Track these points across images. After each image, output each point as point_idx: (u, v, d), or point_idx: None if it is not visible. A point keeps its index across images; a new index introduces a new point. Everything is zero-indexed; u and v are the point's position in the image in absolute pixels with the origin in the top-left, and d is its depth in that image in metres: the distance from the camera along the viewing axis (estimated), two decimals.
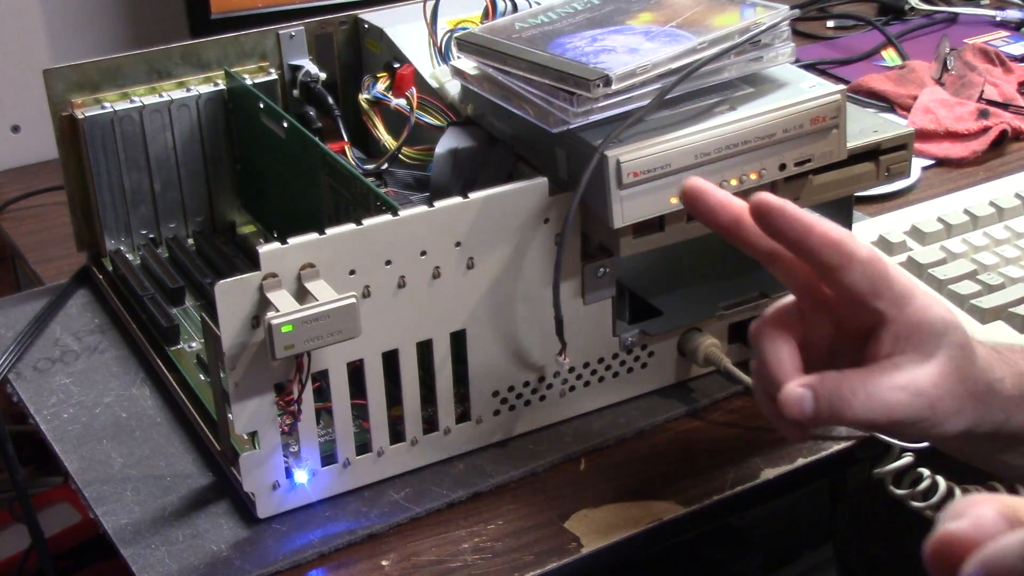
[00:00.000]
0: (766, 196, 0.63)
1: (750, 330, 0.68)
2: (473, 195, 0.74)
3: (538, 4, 0.87)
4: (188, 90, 0.96)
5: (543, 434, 0.82)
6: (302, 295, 0.69)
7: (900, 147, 0.83)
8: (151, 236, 0.99)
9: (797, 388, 0.63)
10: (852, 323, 0.65)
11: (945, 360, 0.63)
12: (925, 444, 0.77)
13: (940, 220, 0.99)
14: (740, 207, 0.64)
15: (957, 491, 0.79)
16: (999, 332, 0.88)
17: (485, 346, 0.77)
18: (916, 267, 0.94)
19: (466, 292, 0.75)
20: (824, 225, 0.63)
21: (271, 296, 0.68)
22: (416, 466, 0.78)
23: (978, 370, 0.65)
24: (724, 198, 0.65)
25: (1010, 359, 0.68)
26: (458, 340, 0.76)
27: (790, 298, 0.68)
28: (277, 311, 0.67)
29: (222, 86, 0.96)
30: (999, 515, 0.46)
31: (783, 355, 0.65)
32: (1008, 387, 0.66)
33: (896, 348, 0.63)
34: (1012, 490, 0.79)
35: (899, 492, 0.79)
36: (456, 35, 0.83)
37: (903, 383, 0.63)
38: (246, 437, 0.73)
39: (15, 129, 1.26)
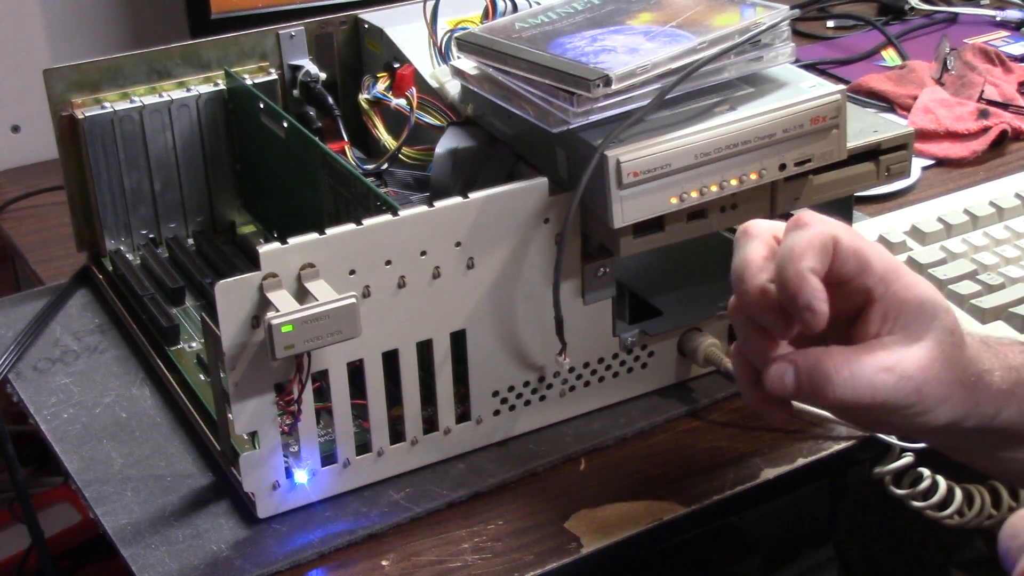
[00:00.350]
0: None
1: (730, 308, 0.67)
2: (473, 195, 0.74)
3: (538, 4, 0.87)
4: (188, 90, 0.96)
5: (543, 434, 0.82)
6: (302, 295, 0.69)
7: (900, 147, 0.83)
8: (151, 236, 0.99)
9: (780, 363, 0.62)
10: (838, 303, 0.64)
11: (934, 344, 0.62)
12: (924, 444, 0.77)
13: (940, 220, 0.99)
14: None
15: (957, 491, 0.79)
16: (999, 332, 0.88)
17: (485, 346, 0.77)
18: (916, 267, 0.94)
19: (466, 292, 0.75)
20: (809, 258, 0.60)
21: (271, 296, 0.68)
22: (416, 466, 0.78)
23: (967, 358, 0.63)
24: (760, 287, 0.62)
25: (999, 352, 0.66)
26: (458, 340, 0.76)
27: None
28: (277, 311, 0.67)
29: (222, 86, 0.96)
30: None
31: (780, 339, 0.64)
32: (997, 380, 0.65)
33: (884, 328, 0.62)
34: (1013, 491, 0.79)
35: (899, 492, 0.79)
36: (456, 35, 0.83)
37: (889, 364, 0.61)
38: (246, 437, 0.73)
39: (15, 129, 1.26)
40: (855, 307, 0.63)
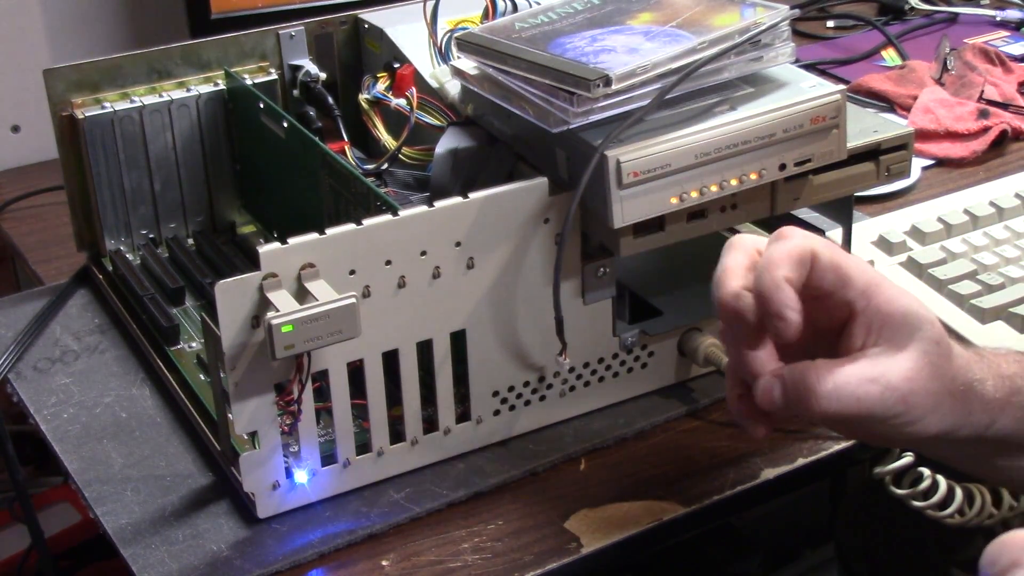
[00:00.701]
0: (740, 303, 0.62)
1: (720, 329, 0.67)
2: (473, 195, 0.74)
3: (538, 4, 0.87)
4: (188, 90, 0.96)
5: (543, 434, 0.82)
6: (302, 295, 0.69)
7: (900, 147, 0.83)
8: (151, 236, 0.99)
9: (767, 378, 0.63)
10: (823, 319, 0.64)
11: (918, 354, 0.62)
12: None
13: (940, 220, 0.99)
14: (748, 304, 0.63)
15: (958, 490, 0.79)
16: (999, 332, 0.88)
17: (485, 346, 0.77)
18: (916, 267, 0.94)
19: (466, 292, 0.75)
20: (783, 267, 0.61)
21: (271, 296, 0.68)
22: (416, 466, 0.78)
23: (955, 368, 0.64)
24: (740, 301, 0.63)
25: (992, 361, 0.66)
26: (458, 340, 0.76)
27: None
28: (277, 311, 0.67)
29: (222, 86, 0.96)
30: None
31: (758, 349, 0.65)
32: (990, 389, 0.65)
33: (868, 340, 0.62)
34: (1015, 495, 0.79)
35: (899, 492, 0.79)
36: (456, 35, 0.83)
37: (874, 375, 0.61)
38: (246, 437, 0.73)
39: (15, 129, 1.26)
40: (839, 320, 0.64)
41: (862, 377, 0.61)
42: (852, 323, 0.63)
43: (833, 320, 0.64)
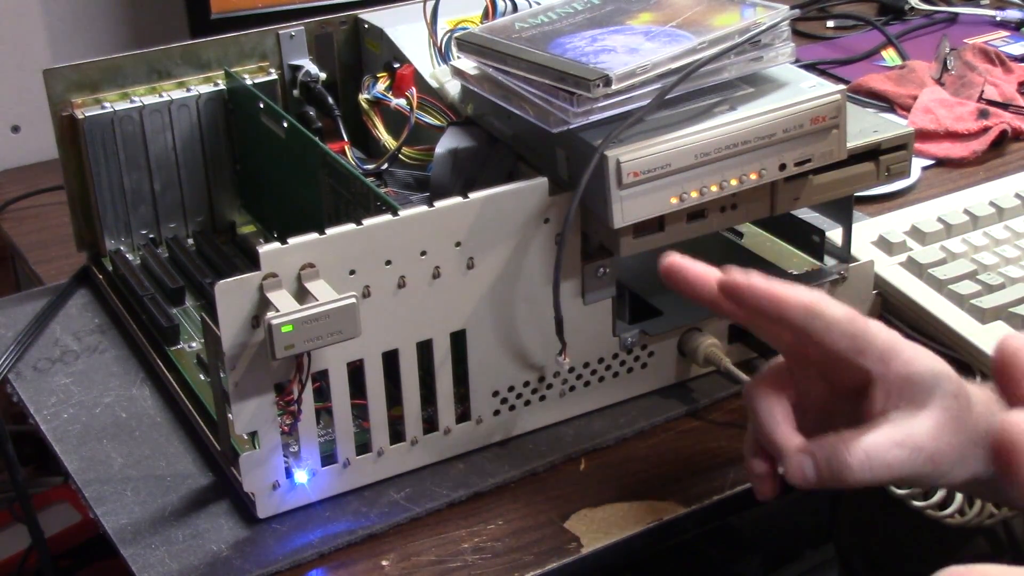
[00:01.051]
0: (732, 276, 0.64)
1: (744, 390, 0.68)
2: (473, 195, 0.74)
3: (538, 4, 0.87)
4: (188, 90, 0.96)
5: (543, 434, 0.82)
6: (302, 295, 0.69)
7: (900, 147, 0.83)
8: (151, 236, 0.99)
9: (798, 455, 0.64)
10: (842, 382, 0.65)
11: (939, 411, 0.63)
12: None
13: (940, 220, 0.99)
14: (717, 280, 0.65)
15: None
16: (999, 332, 0.88)
17: (485, 346, 0.77)
18: (916, 267, 0.94)
19: (466, 292, 0.75)
20: (795, 292, 0.63)
21: (271, 296, 0.68)
22: (416, 466, 0.78)
23: (976, 416, 0.64)
24: (702, 273, 0.66)
25: None
26: (458, 340, 0.76)
27: (782, 359, 0.68)
28: (277, 311, 0.67)
29: (222, 86, 0.96)
30: None
31: (777, 415, 0.66)
32: None
33: (889, 404, 0.63)
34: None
35: (900, 492, 0.79)
36: (456, 35, 0.83)
37: (899, 439, 0.62)
38: (246, 437, 0.73)
39: (15, 129, 1.26)
40: (858, 382, 0.65)
41: (890, 443, 0.62)
42: (872, 388, 0.64)
43: (850, 380, 0.65)
